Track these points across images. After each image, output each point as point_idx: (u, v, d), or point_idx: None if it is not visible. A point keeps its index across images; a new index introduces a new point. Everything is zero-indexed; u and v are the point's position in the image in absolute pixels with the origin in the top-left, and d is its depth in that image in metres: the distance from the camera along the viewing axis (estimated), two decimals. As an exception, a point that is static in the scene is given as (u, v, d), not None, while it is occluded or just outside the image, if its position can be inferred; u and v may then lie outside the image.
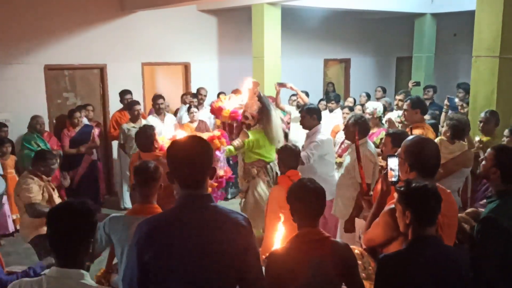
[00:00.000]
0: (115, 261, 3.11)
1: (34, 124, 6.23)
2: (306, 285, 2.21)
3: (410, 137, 2.65)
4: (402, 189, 2.23)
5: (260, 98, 4.99)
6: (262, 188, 4.96)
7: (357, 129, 4.21)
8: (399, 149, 2.59)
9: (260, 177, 5.00)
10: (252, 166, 5.03)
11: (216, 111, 5.29)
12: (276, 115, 5.07)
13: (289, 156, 3.74)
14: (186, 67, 8.65)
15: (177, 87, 8.91)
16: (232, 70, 8.87)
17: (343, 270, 2.26)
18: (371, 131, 5.58)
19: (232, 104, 5.21)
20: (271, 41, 7.27)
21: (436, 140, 4.41)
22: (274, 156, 5.08)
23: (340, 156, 6.23)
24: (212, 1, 7.76)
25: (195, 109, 7.00)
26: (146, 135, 4.13)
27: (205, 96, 7.89)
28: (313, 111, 4.94)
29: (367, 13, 9.90)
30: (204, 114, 7.23)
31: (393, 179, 2.55)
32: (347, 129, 4.52)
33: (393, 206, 2.42)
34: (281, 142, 5.06)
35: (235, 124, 5.09)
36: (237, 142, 4.87)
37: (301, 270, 2.19)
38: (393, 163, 2.56)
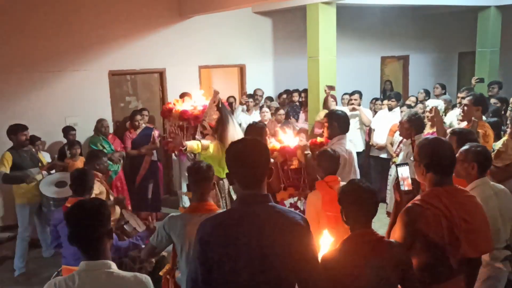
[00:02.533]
0: None
1: (100, 127, 6.56)
2: (366, 286, 2.19)
3: (423, 138, 2.61)
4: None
5: (218, 108, 4.70)
6: None
7: (411, 126, 4.09)
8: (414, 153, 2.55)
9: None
10: None
11: (166, 113, 5.04)
12: (234, 128, 4.71)
13: (328, 161, 3.61)
14: (242, 69, 8.78)
15: (233, 89, 9.06)
16: (287, 71, 8.91)
17: (400, 270, 2.23)
18: (431, 130, 5.41)
19: (185, 106, 5.03)
20: (326, 40, 7.20)
21: (502, 140, 4.20)
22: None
23: (398, 155, 6.10)
24: (267, 3, 7.82)
25: (267, 109, 7.13)
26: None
27: (261, 97, 8.01)
28: (336, 118, 4.28)
29: (427, 8, 9.58)
30: (256, 115, 7.35)
31: (406, 188, 2.53)
32: (401, 126, 4.41)
33: (409, 205, 2.39)
34: None
35: (186, 125, 4.84)
36: (205, 141, 4.50)
37: (360, 272, 2.18)
38: (403, 171, 2.55)
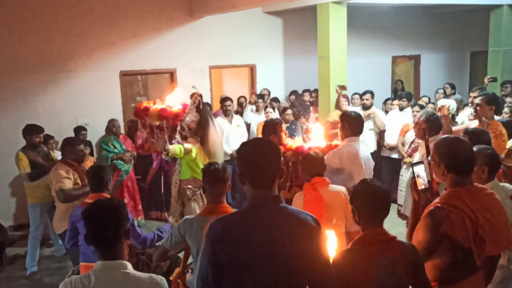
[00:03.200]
0: (189, 260, 3.20)
1: (111, 127, 6.59)
2: (378, 286, 2.18)
3: (441, 138, 2.57)
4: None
5: (198, 110, 4.51)
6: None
7: (427, 126, 4.04)
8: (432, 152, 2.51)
9: (196, 200, 4.55)
10: (187, 185, 4.52)
11: (141, 112, 4.67)
12: (215, 130, 4.57)
13: (311, 163, 3.58)
14: (252, 69, 8.78)
15: (243, 89, 9.06)
16: (298, 71, 8.89)
17: (412, 270, 2.22)
18: (443, 130, 5.36)
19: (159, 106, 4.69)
20: (337, 40, 7.18)
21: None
22: None
23: (410, 156, 6.05)
24: (277, 2, 7.81)
25: (271, 110, 7.13)
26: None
27: (267, 96, 8.02)
28: (348, 119, 4.13)
29: (439, 7, 9.50)
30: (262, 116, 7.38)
31: (423, 187, 2.53)
32: (417, 126, 4.34)
33: (432, 208, 2.37)
34: (221, 159, 4.53)
35: (165, 125, 4.51)
36: (187, 145, 4.39)
37: (371, 271, 2.17)
38: (419, 170, 2.54)
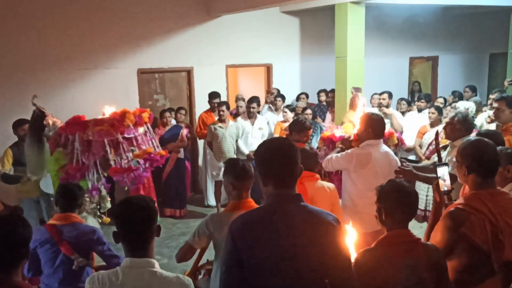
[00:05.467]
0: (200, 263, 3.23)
1: (128, 124, 6.62)
2: (401, 287, 2.18)
3: (466, 139, 2.57)
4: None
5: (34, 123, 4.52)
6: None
7: (464, 128, 3.97)
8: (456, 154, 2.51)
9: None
10: None
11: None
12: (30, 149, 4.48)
13: (304, 158, 3.61)
14: (268, 68, 8.78)
15: (259, 89, 9.07)
16: (314, 71, 8.87)
17: (435, 273, 2.21)
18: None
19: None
20: (355, 40, 7.15)
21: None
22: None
23: (428, 158, 6.01)
24: (295, 2, 7.80)
25: (286, 109, 7.14)
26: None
27: (272, 94, 8.01)
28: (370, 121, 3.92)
29: (458, 8, 9.40)
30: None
31: (445, 188, 2.52)
32: (450, 126, 4.02)
33: (452, 209, 2.36)
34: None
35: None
36: None
37: (394, 272, 2.16)
38: (442, 172, 2.53)
